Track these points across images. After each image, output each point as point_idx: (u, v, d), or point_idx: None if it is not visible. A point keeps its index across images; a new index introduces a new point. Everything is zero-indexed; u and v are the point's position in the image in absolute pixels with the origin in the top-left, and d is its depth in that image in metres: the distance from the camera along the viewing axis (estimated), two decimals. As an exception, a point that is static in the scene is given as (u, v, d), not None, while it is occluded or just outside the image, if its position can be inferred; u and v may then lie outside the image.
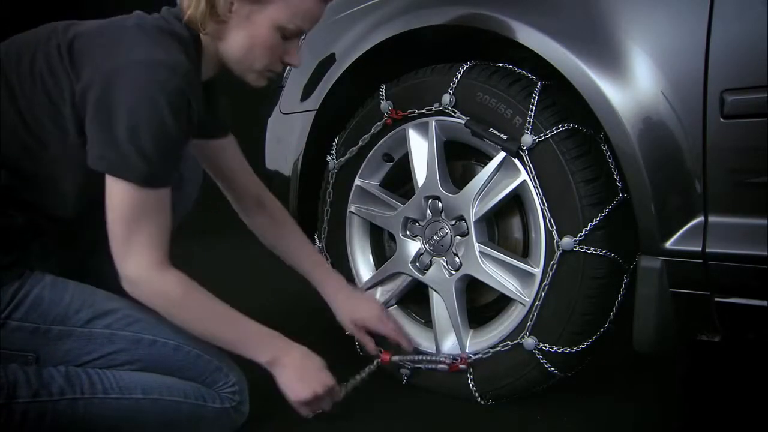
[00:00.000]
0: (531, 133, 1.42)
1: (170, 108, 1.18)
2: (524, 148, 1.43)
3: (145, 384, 1.29)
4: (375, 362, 1.60)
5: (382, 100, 1.64)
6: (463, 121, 1.52)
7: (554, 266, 1.42)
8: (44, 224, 1.32)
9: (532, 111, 1.42)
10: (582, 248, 1.38)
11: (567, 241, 1.39)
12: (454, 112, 1.53)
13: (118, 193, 1.21)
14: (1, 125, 1.24)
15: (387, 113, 1.64)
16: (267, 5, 1.27)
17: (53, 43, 1.25)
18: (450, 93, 1.53)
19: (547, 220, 1.42)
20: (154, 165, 1.20)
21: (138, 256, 1.23)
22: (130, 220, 1.22)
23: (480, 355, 1.53)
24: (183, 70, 1.21)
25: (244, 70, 1.34)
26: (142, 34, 1.25)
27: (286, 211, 1.67)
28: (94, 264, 1.40)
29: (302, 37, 1.38)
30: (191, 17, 1.27)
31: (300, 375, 1.35)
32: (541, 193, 1.43)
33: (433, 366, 1.59)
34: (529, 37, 1.38)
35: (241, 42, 1.30)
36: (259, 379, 1.40)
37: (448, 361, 1.56)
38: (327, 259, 1.77)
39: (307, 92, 1.75)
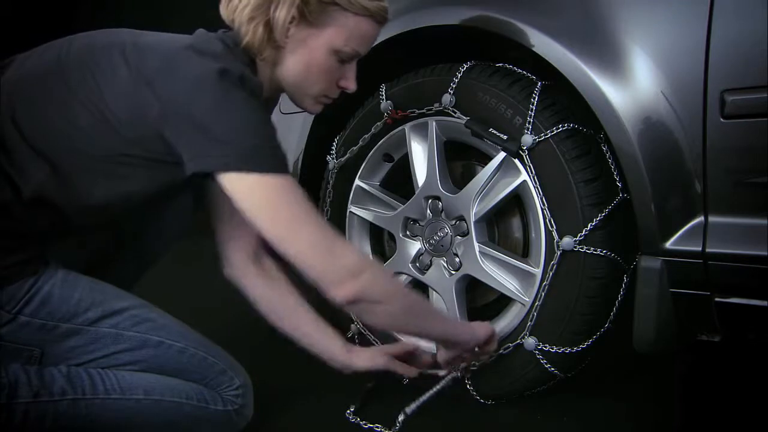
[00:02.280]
0: (531, 133, 1.42)
1: (248, 99, 1.18)
2: (524, 148, 1.43)
3: (147, 385, 1.29)
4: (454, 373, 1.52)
5: (382, 100, 1.64)
6: (463, 121, 1.51)
7: (554, 266, 1.42)
8: (68, 227, 1.31)
9: (532, 111, 1.42)
10: (582, 248, 1.38)
11: (567, 241, 1.39)
12: (454, 112, 1.53)
13: (256, 190, 1.17)
14: (51, 122, 1.22)
15: (387, 113, 1.64)
16: (323, 29, 1.27)
17: (117, 58, 1.22)
18: (450, 93, 1.53)
19: (547, 220, 1.42)
20: (269, 148, 1.19)
21: (343, 252, 1.21)
22: (292, 216, 1.18)
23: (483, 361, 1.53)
24: (248, 74, 1.21)
25: (301, 95, 1.34)
26: (206, 52, 1.21)
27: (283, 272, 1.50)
28: (113, 262, 1.40)
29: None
30: (249, 44, 1.26)
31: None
32: (541, 193, 1.43)
33: (442, 391, 1.51)
34: (530, 37, 1.38)
35: (297, 66, 1.29)
36: (261, 381, 1.40)
37: (451, 382, 1.52)
38: None
39: (307, 92, 1.75)
